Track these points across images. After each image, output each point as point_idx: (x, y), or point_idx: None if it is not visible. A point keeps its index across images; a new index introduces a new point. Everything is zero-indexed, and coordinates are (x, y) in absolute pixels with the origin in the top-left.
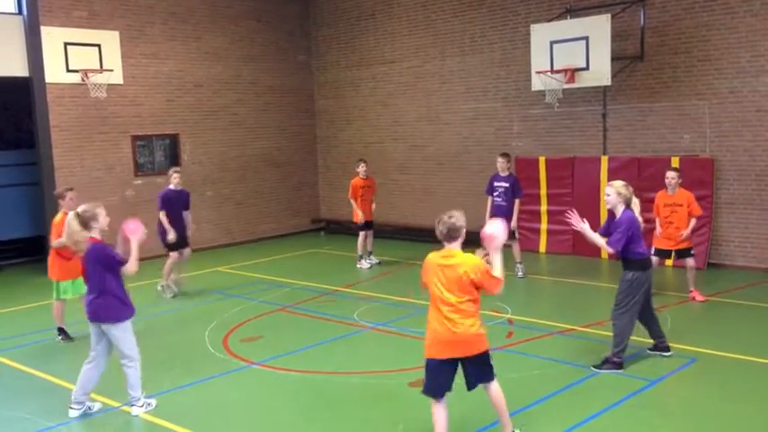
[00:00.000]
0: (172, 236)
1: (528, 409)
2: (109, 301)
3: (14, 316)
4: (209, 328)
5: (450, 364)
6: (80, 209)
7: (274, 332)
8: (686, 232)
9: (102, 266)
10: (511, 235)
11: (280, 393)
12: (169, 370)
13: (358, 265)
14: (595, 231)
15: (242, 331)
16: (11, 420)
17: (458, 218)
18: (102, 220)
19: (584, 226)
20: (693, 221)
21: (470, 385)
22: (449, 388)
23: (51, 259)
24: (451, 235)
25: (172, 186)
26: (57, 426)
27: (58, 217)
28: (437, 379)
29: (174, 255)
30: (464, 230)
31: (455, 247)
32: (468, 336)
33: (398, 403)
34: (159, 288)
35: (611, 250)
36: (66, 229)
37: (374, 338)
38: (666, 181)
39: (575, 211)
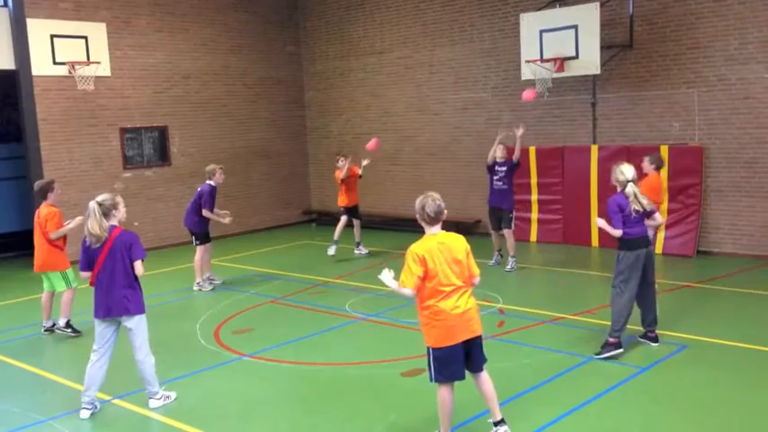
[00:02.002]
0: (228, 219)
1: (520, 397)
2: (136, 292)
3: (2, 310)
4: (200, 321)
5: (462, 347)
6: (100, 198)
7: (266, 324)
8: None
9: (132, 255)
10: (502, 224)
11: (272, 384)
12: (161, 363)
13: (329, 252)
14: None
15: (233, 323)
16: (2, 414)
17: (441, 200)
18: (122, 209)
19: (599, 220)
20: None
21: (477, 367)
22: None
23: (47, 252)
24: (439, 218)
25: (213, 183)
26: (48, 420)
27: (51, 210)
28: (456, 362)
29: (201, 249)
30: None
31: (438, 229)
32: (476, 315)
33: (391, 393)
34: (196, 287)
35: (616, 233)
36: (90, 219)
37: (366, 329)
38: None
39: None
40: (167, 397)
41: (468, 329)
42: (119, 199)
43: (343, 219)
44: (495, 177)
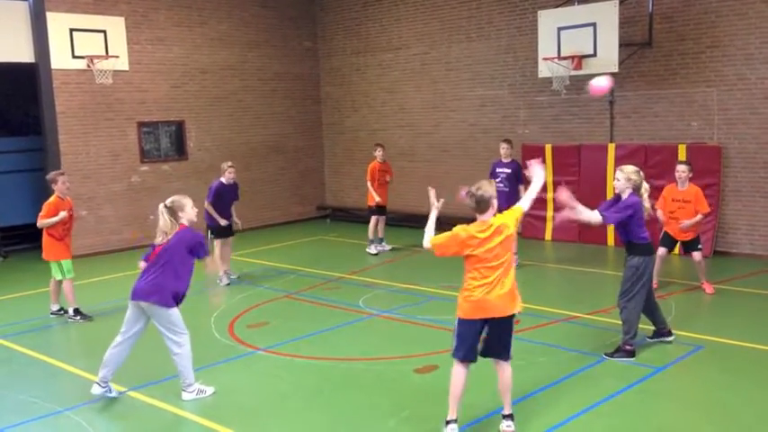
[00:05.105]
0: (224, 222)
1: (534, 396)
2: (170, 285)
3: (20, 301)
4: (215, 315)
5: (484, 326)
6: (168, 201)
7: (280, 318)
8: (688, 222)
9: (188, 250)
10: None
11: (286, 379)
12: None
13: (367, 250)
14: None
15: (248, 317)
16: (19, 404)
17: (485, 188)
18: (190, 210)
19: (565, 198)
20: (699, 216)
21: (502, 353)
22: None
23: (46, 241)
24: (482, 208)
25: (224, 180)
26: (64, 410)
27: (52, 199)
28: (470, 339)
29: (219, 242)
30: (494, 200)
31: (487, 218)
32: (516, 293)
33: (404, 389)
34: (218, 281)
35: (599, 219)
36: (161, 218)
37: (380, 325)
38: (677, 175)
39: (565, 187)
40: (201, 391)
41: (501, 308)
42: (186, 201)
43: (374, 219)
44: (497, 180)
